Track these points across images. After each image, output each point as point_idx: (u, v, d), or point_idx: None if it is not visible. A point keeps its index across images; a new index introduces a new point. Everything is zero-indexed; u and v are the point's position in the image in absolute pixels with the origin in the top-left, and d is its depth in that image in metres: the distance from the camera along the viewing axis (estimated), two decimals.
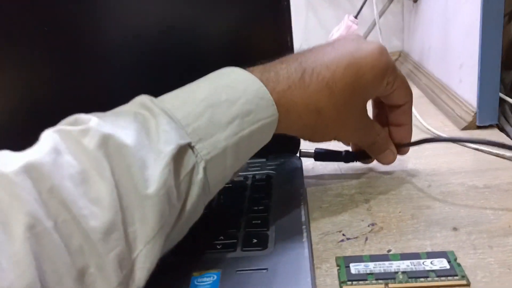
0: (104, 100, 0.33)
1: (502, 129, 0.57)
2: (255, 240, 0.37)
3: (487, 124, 0.57)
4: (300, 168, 0.49)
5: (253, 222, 0.39)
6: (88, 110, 0.31)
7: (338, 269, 0.35)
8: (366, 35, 0.82)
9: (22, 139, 0.28)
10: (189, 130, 0.32)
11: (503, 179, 0.45)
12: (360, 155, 0.48)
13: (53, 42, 0.42)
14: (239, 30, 0.44)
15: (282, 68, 0.38)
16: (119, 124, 0.30)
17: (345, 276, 0.34)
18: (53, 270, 0.24)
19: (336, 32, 0.77)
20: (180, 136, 0.31)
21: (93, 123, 0.29)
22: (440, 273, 0.33)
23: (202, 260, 0.35)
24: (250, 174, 0.48)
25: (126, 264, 0.27)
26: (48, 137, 0.28)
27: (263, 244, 0.36)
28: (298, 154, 0.51)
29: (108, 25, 0.42)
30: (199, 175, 0.32)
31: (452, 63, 0.65)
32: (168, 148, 0.30)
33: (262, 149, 0.48)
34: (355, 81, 0.38)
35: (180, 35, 0.43)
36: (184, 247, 0.36)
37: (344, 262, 0.35)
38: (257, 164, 0.49)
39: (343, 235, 0.39)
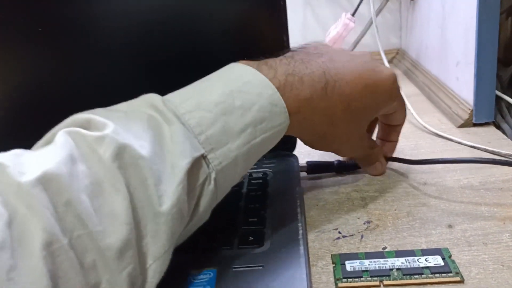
0: (105, 97, 0.33)
1: (498, 127, 0.57)
2: (251, 238, 0.37)
3: (483, 121, 0.57)
4: (296, 166, 0.49)
5: (250, 220, 0.39)
6: (88, 107, 0.31)
7: (333, 267, 0.35)
8: (363, 33, 0.82)
9: (21, 137, 0.28)
10: (201, 139, 0.32)
11: (498, 176, 0.45)
12: (351, 165, 0.49)
13: (51, 40, 0.42)
14: (235, 29, 0.44)
15: (306, 74, 0.37)
16: (134, 132, 0.29)
17: (341, 274, 0.34)
18: None
19: (334, 30, 0.77)
20: (194, 147, 0.31)
21: (108, 130, 0.28)
22: (434, 270, 0.33)
23: (199, 258, 0.35)
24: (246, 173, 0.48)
25: (137, 280, 0.27)
26: (63, 141, 0.27)
27: (259, 241, 0.37)
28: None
29: (107, 21, 0.42)
30: (211, 186, 0.32)
31: (449, 61, 0.65)
32: (183, 162, 0.30)
33: None
34: (370, 101, 0.41)
35: (175, 33, 0.43)
36: (180, 245, 0.36)
37: (339, 260, 0.35)
38: None
39: (339, 232, 0.39)
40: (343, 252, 0.37)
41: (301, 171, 0.49)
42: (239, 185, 0.45)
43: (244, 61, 0.37)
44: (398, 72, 0.83)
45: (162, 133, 0.31)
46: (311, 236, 0.39)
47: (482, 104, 0.56)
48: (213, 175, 0.32)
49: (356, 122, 0.41)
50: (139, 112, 0.31)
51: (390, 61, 0.87)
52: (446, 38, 0.66)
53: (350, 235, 0.39)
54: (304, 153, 0.51)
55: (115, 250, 0.25)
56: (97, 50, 0.43)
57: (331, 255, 0.36)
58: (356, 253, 0.36)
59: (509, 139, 0.54)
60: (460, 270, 0.33)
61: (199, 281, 0.33)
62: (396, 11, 0.92)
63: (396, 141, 0.49)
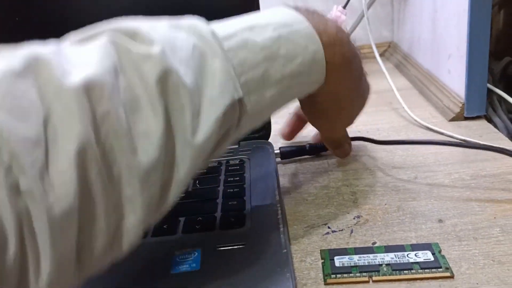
0: None
1: (489, 120, 0.57)
2: (232, 219, 0.38)
3: (474, 115, 0.57)
4: (271, 153, 0.50)
5: (229, 203, 0.40)
6: None
7: (322, 262, 0.35)
8: (355, 26, 0.81)
9: None
10: (242, 80, 0.31)
11: (489, 170, 0.45)
12: (321, 148, 0.51)
13: (30, 31, 0.41)
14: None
15: (345, 37, 0.37)
16: (179, 57, 0.28)
17: (329, 269, 0.34)
18: (94, 198, 0.24)
19: None
20: (235, 88, 0.30)
21: (156, 49, 0.27)
22: (424, 265, 0.33)
23: (183, 240, 0.36)
24: (223, 160, 0.48)
25: (155, 201, 0.27)
26: (106, 50, 0.26)
27: (240, 222, 0.37)
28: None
29: (90, 10, 0.42)
30: (238, 128, 0.32)
31: (440, 54, 0.64)
32: (223, 101, 0.29)
33: None
34: (366, 91, 0.44)
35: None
36: (164, 229, 0.38)
37: (328, 255, 0.35)
38: (230, 150, 0.50)
39: (329, 227, 0.39)
40: (332, 248, 0.36)
41: (276, 157, 0.50)
42: (217, 172, 0.46)
43: (295, 6, 0.36)
44: (389, 66, 0.83)
45: (206, 64, 0.29)
46: (300, 231, 0.39)
47: (474, 98, 0.56)
48: (242, 119, 0.32)
49: (359, 107, 0.44)
50: (186, 35, 0.30)
51: (381, 54, 0.86)
52: (438, 31, 0.65)
53: (339, 230, 0.38)
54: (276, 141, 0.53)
55: (143, 170, 0.25)
56: None
57: (320, 250, 0.36)
58: (346, 249, 0.36)
59: (500, 133, 0.53)
60: (450, 265, 0.33)
61: (184, 260, 0.34)
62: (388, 4, 0.91)
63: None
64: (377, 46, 0.73)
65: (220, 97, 0.29)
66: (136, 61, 0.26)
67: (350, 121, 0.45)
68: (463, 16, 0.54)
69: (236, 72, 0.30)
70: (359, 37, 0.87)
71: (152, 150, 0.26)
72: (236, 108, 0.30)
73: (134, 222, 0.26)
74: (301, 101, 0.42)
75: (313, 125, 0.45)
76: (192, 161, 0.28)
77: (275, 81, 0.32)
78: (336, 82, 0.37)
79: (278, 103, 0.35)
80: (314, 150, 0.51)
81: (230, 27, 0.32)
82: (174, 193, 0.28)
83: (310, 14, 0.36)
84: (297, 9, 0.36)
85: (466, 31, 0.54)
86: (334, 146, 0.49)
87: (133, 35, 0.28)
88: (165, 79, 0.27)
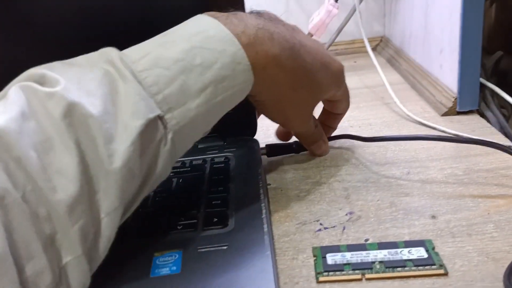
0: None
1: (482, 115, 0.56)
2: (215, 219, 0.37)
3: (467, 109, 0.56)
4: (257, 150, 0.49)
5: (213, 202, 0.39)
6: None
7: (314, 260, 0.34)
8: (346, 20, 0.80)
9: None
10: (159, 98, 0.31)
11: (482, 165, 0.45)
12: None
13: None
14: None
15: (276, 32, 0.37)
16: (87, 89, 0.29)
17: (322, 267, 0.33)
18: (23, 240, 0.24)
19: (317, 17, 0.75)
20: (149, 108, 0.30)
21: (60, 87, 0.28)
22: (417, 263, 0.32)
23: (164, 241, 0.35)
24: (208, 157, 0.47)
25: (90, 233, 0.27)
26: (15, 97, 0.27)
27: (223, 222, 0.36)
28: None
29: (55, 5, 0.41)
30: (167, 146, 0.31)
31: (433, 48, 0.64)
32: (136, 123, 0.29)
33: (220, 132, 0.49)
34: (324, 78, 0.42)
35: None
36: (145, 229, 0.37)
37: (320, 252, 0.34)
38: (215, 147, 0.49)
39: (321, 224, 0.38)
40: (324, 245, 0.36)
41: (262, 154, 0.49)
42: (201, 170, 0.45)
43: (212, 13, 0.36)
44: (381, 60, 0.82)
45: (116, 90, 0.30)
46: (291, 228, 0.38)
47: (466, 92, 0.55)
48: (170, 135, 0.31)
49: (312, 94, 0.43)
50: (95, 68, 0.31)
51: (373, 49, 0.86)
52: (430, 25, 0.65)
53: (331, 227, 0.38)
54: (263, 138, 0.52)
55: (65, 205, 0.26)
56: (38, 30, 0.41)
57: (312, 247, 0.35)
58: (338, 246, 0.35)
59: (493, 127, 0.53)
60: (444, 262, 0.32)
61: (164, 262, 0.32)
62: None
63: (334, 129, 0.51)
64: (369, 40, 0.73)
65: (132, 119, 0.29)
66: (42, 101, 0.28)
67: (306, 112, 0.44)
68: (456, 10, 0.53)
69: (152, 92, 0.31)
70: (350, 32, 0.86)
71: (72, 185, 0.26)
72: (156, 127, 0.31)
73: (75, 258, 0.27)
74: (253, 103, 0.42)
75: (277, 123, 0.45)
76: (119, 187, 0.28)
77: (197, 91, 0.32)
78: (268, 79, 0.37)
79: (212, 112, 0.34)
80: (300, 148, 0.50)
81: (142, 49, 0.33)
82: (107, 223, 0.28)
83: (229, 17, 0.35)
84: (214, 14, 0.36)
85: (459, 25, 0.53)
86: (307, 143, 0.48)
87: (41, 80, 0.29)
88: (70, 112, 0.27)
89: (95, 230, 0.28)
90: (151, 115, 0.30)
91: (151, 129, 0.30)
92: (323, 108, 0.49)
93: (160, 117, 0.31)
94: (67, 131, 0.27)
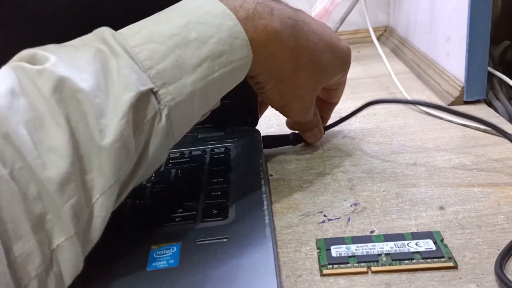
0: None
1: (490, 104, 0.55)
2: (215, 211, 0.36)
3: (474, 99, 0.55)
4: (258, 140, 0.47)
5: (213, 193, 0.38)
6: None
7: (318, 252, 0.33)
8: (350, 9, 0.79)
9: None
10: (152, 73, 0.30)
11: (491, 155, 0.43)
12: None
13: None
14: None
15: (276, 8, 0.36)
16: (77, 65, 0.28)
17: (326, 260, 0.32)
18: (11, 219, 0.23)
19: (320, 4, 0.74)
20: (142, 81, 0.29)
21: (49, 63, 0.27)
22: (425, 255, 0.31)
23: (162, 233, 0.34)
24: (208, 148, 0.46)
25: (83, 213, 0.26)
26: (6, 75, 0.27)
27: (223, 214, 0.35)
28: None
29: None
30: (162, 123, 0.30)
31: (439, 36, 0.62)
32: (127, 95, 0.28)
33: (220, 122, 0.48)
34: (329, 61, 0.41)
35: None
36: (142, 221, 0.36)
37: (324, 245, 0.33)
38: (215, 138, 0.48)
39: (325, 216, 0.37)
40: (328, 237, 0.34)
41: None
42: (201, 160, 0.44)
43: None
44: (386, 50, 0.80)
45: (108, 66, 0.29)
46: (294, 220, 0.37)
47: (474, 81, 0.54)
48: (165, 112, 0.30)
49: (315, 78, 0.41)
50: (88, 46, 0.30)
51: (378, 39, 0.84)
52: (436, 12, 0.63)
53: (336, 219, 0.37)
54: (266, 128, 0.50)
55: (56, 182, 0.25)
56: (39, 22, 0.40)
57: (316, 239, 0.34)
58: (342, 238, 0.34)
59: (501, 117, 0.51)
60: (453, 254, 0.31)
61: (162, 255, 0.31)
62: None
63: (327, 119, 0.50)
64: (373, 30, 0.71)
65: (123, 93, 0.28)
66: (33, 79, 0.27)
67: (307, 99, 0.42)
68: None
69: (145, 66, 0.30)
70: (354, 21, 0.85)
71: (62, 162, 0.25)
72: (149, 100, 0.30)
73: (67, 240, 0.26)
74: (254, 90, 0.40)
75: (277, 110, 0.43)
76: (112, 163, 0.27)
77: (192, 65, 0.31)
78: (269, 58, 0.36)
79: (210, 90, 0.33)
80: (297, 140, 0.49)
81: (136, 26, 0.32)
82: (102, 202, 0.27)
83: None
84: None
85: (467, 12, 0.51)
86: (303, 130, 0.47)
87: (32, 59, 0.28)
88: (60, 88, 0.27)
89: (89, 210, 0.27)
90: (143, 88, 0.29)
91: (144, 103, 0.29)
92: (317, 97, 0.47)
93: (153, 92, 0.30)
94: (57, 106, 0.26)
